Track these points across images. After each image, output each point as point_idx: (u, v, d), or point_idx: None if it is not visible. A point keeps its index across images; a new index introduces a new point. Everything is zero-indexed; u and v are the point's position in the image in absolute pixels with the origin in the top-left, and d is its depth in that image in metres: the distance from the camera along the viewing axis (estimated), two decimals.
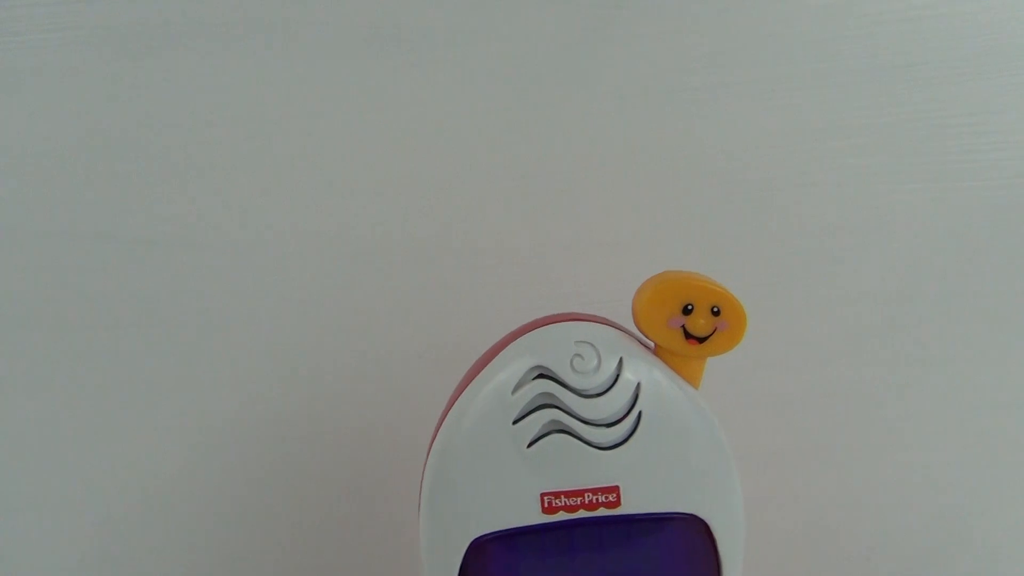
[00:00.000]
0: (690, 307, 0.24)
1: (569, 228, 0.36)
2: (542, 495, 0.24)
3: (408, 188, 0.36)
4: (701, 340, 0.25)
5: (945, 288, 0.37)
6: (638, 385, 0.24)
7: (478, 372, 0.25)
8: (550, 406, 0.24)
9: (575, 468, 0.24)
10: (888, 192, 0.37)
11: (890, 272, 0.37)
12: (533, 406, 0.24)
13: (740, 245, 0.37)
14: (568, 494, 0.24)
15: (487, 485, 0.24)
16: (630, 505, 0.24)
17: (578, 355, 0.24)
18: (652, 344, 0.25)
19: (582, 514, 0.24)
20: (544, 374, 0.24)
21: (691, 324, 0.24)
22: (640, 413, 0.24)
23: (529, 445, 0.24)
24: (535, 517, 0.24)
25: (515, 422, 0.24)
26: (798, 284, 0.37)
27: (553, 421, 0.24)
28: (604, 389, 0.24)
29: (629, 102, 0.36)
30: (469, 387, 0.25)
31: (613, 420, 0.24)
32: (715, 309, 0.24)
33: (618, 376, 0.24)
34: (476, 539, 0.24)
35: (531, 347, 0.25)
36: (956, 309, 0.38)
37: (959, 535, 0.38)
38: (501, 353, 0.25)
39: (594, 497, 0.24)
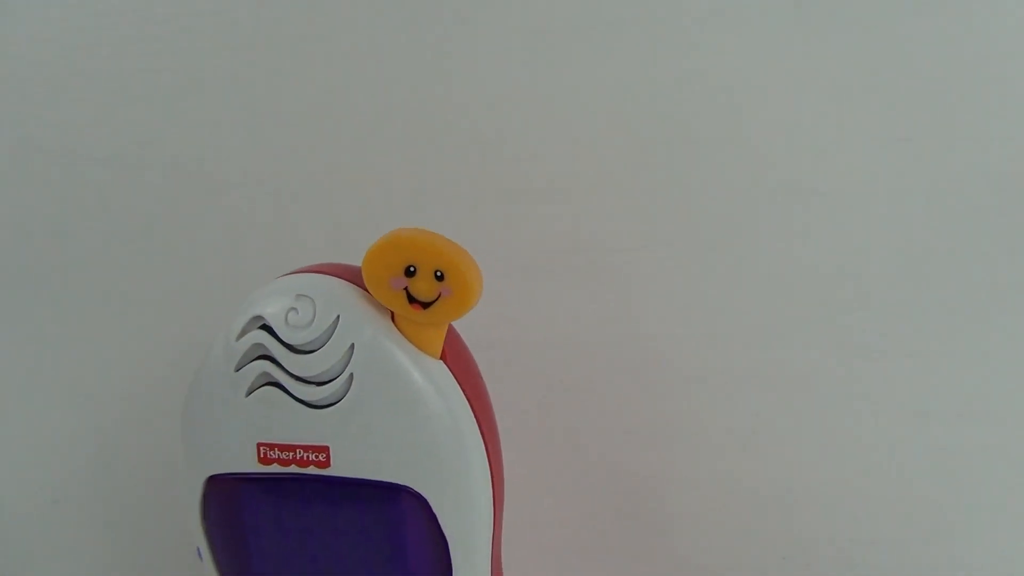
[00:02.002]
0: (412, 269, 0.23)
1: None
2: (259, 445, 0.24)
3: None
4: (426, 305, 0.23)
5: (906, 274, 0.32)
6: (352, 346, 0.23)
7: None
8: (264, 357, 0.24)
9: (288, 422, 0.24)
10: (857, 161, 0.32)
11: (849, 251, 0.32)
12: (251, 356, 0.24)
13: (680, 208, 0.34)
14: (282, 447, 0.24)
15: (216, 428, 0.24)
16: (340, 468, 0.24)
17: (294, 309, 0.23)
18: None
19: (294, 469, 0.24)
20: (264, 324, 0.24)
21: (413, 287, 0.23)
22: (352, 375, 0.23)
23: (248, 394, 0.24)
24: (252, 465, 0.24)
25: (237, 369, 0.24)
26: (746, 254, 0.33)
27: (265, 373, 0.23)
28: (316, 347, 0.23)
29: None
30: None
31: (324, 379, 0.23)
32: (438, 273, 0.22)
33: (332, 335, 0.23)
34: (209, 476, 0.25)
35: (263, 295, 0.24)
36: (914, 298, 0.32)
37: (893, 526, 0.34)
38: (247, 298, 0.25)
39: (305, 454, 0.24)
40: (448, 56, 0.33)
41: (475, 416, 0.24)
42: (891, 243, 0.32)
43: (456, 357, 0.24)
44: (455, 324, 0.26)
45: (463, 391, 0.24)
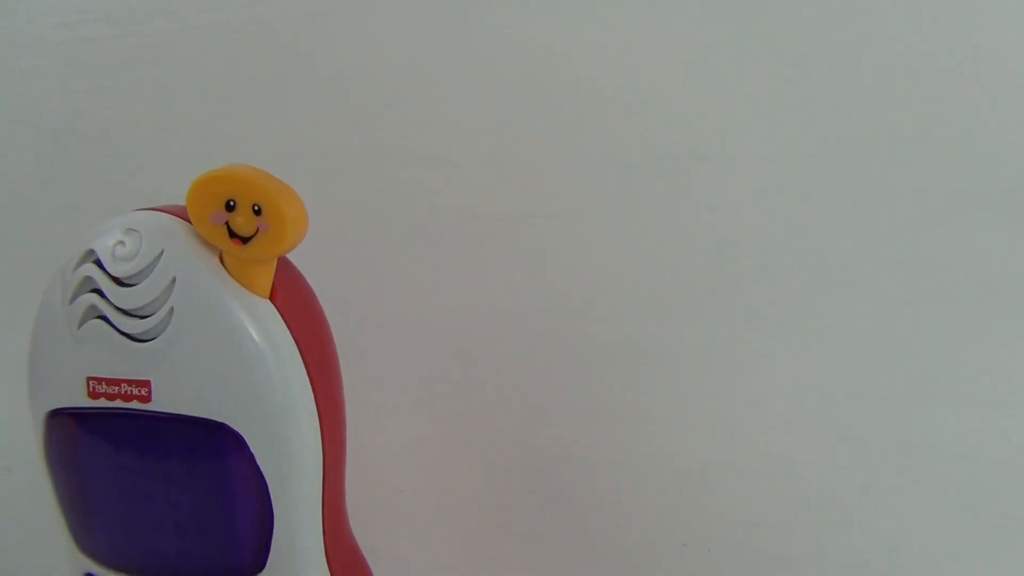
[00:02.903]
0: (232, 203, 0.22)
1: None
2: (88, 379, 0.24)
3: None
4: (245, 240, 0.23)
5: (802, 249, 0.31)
6: (173, 280, 0.23)
7: None
8: (93, 290, 0.24)
9: (114, 356, 0.24)
10: (757, 127, 0.31)
11: (747, 215, 0.31)
12: (82, 289, 0.24)
13: (584, 176, 0.33)
14: (108, 382, 0.24)
15: (53, 362, 0.25)
16: (160, 403, 0.23)
17: (122, 242, 0.23)
18: None
19: (119, 404, 0.24)
20: (95, 258, 0.24)
21: (232, 221, 0.23)
22: (172, 309, 0.23)
23: (79, 327, 0.24)
24: (81, 400, 0.24)
25: (70, 303, 0.24)
26: (651, 223, 0.32)
27: (94, 307, 0.24)
28: (139, 280, 0.23)
29: None
30: None
31: (146, 313, 0.23)
32: (256, 207, 0.22)
33: (155, 268, 0.23)
34: (48, 412, 0.25)
35: (97, 230, 0.24)
36: (810, 273, 0.31)
37: (791, 509, 0.32)
38: (84, 234, 0.25)
39: (129, 389, 0.24)
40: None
41: (304, 360, 0.24)
42: (791, 214, 0.31)
43: (288, 298, 0.24)
44: (297, 266, 0.26)
45: (291, 333, 0.24)
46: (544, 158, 0.32)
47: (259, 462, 0.23)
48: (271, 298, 0.24)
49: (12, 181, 0.40)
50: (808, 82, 0.30)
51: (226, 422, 0.23)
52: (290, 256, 0.25)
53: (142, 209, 0.25)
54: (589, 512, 0.34)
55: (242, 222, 0.22)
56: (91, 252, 0.24)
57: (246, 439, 0.23)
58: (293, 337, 0.24)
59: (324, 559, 0.25)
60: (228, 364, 0.23)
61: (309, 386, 0.24)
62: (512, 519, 0.36)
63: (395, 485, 0.38)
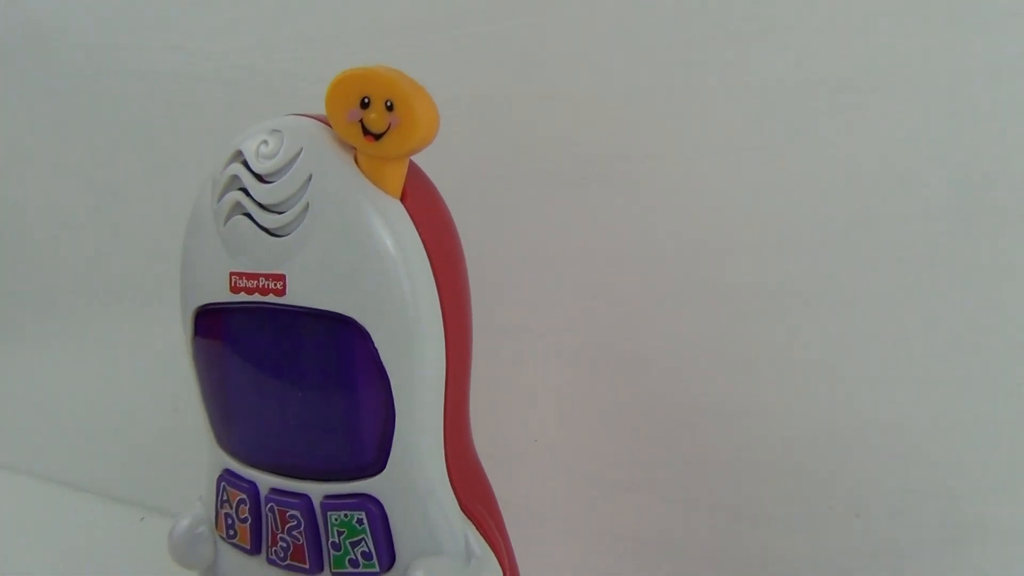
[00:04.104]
0: (367, 100, 0.23)
1: None
2: (231, 274, 0.25)
3: None
4: (378, 137, 0.23)
5: None
6: (310, 177, 0.24)
7: None
8: (238, 188, 0.25)
9: (253, 251, 0.25)
10: (907, 45, 0.29)
11: (896, 147, 0.29)
12: (229, 187, 0.25)
13: (699, 111, 0.32)
14: (248, 276, 0.25)
15: (200, 260, 0.26)
16: (293, 297, 0.24)
17: (265, 141, 0.25)
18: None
19: (257, 298, 0.25)
20: (242, 158, 0.25)
21: (366, 118, 0.23)
22: (308, 204, 0.24)
23: (225, 223, 0.25)
24: (225, 295, 0.25)
25: (218, 200, 0.25)
26: (773, 158, 0.31)
27: (239, 204, 0.25)
28: (278, 176, 0.24)
29: None
30: None
31: (283, 208, 0.24)
32: (388, 103, 0.23)
33: (294, 165, 0.24)
34: (196, 309, 0.26)
35: (246, 132, 0.25)
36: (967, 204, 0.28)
37: (951, 476, 0.29)
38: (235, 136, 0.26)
39: (266, 283, 0.25)
40: None
41: (430, 261, 0.24)
42: (939, 141, 0.28)
43: (419, 203, 0.24)
44: (431, 177, 0.26)
45: (419, 233, 0.24)
46: (681, 94, 0.31)
47: (383, 359, 0.23)
48: (402, 199, 0.24)
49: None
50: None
51: (353, 316, 0.23)
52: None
53: (288, 115, 0.26)
54: (728, 469, 0.33)
55: (375, 118, 0.23)
56: (239, 153, 0.25)
57: (371, 334, 0.23)
58: (421, 238, 0.24)
59: (444, 466, 0.25)
60: (356, 259, 0.23)
61: (435, 287, 0.24)
62: (646, 474, 0.35)
63: (530, 435, 0.37)
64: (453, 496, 0.25)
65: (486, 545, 0.25)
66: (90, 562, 0.46)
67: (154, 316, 0.49)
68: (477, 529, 0.25)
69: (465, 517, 0.25)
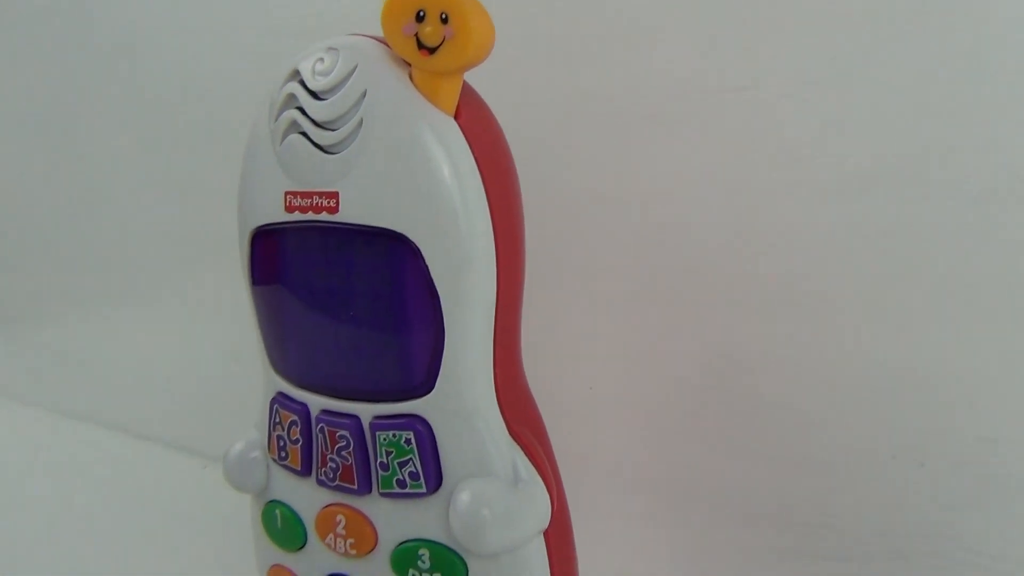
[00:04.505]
0: (422, 13, 0.23)
1: None
2: (286, 193, 0.25)
3: None
4: (432, 51, 0.23)
5: None
6: (364, 92, 0.24)
7: None
8: (295, 107, 0.25)
9: (308, 169, 0.25)
10: None
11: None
12: (286, 106, 0.25)
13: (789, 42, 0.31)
14: (303, 195, 0.25)
15: (257, 182, 0.26)
16: (346, 214, 0.24)
17: (321, 58, 0.25)
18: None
19: (311, 216, 0.25)
20: (299, 77, 0.25)
21: (421, 32, 0.23)
22: (361, 120, 0.24)
23: (281, 143, 0.25)
24: (280, 215, 0.26)
25: (275, 120, 0.26)
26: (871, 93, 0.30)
27: (295, 123, 0.25)
28: (332, 93, 0.24)
29: None
30: None
31: (337, 125, 0.24)
32: (443, 16, 0.23)
33: (348, 81, 0.24)
34: (252, 230, 0.27)
35: (303, 52, 0.25)
36: None
37: None
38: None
39: (320, 200, 0.25)
40: None
41: (483, 179, 0.24)
42: None
43: (472, 120, 0.24)
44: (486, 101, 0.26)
45: (472, 152, 0.24)
46: (760, 28, 0.30)
47: (433, 276, 0.23)
48: (456, 117, 0.24)
49: None
50: None
51: (404, 233, 0.23)
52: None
53: (345, 34, 0.26)
54: (786, 416, 0.32)
55: (430, 32, 0.23)
56: (296, 72, 0.25)
57: (422, 251, 0.23)
58: (473, 155, 0.24)
59: (493, 389, 0.25)
60: (408, 176, 0.23)
61: (487, 206, 0.24)
62: (702, 424, 0.34)
63: (586, 382, 0.37)
64: (501, 420, 0.25)
65: (533, 470, 0.25)
66: (156, 507, 0.47)
67: (216, 276, 0.50)
68: (525, 454, 0.25)
69: (513, 442, 0.25)
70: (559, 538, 0.26)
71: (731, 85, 0.31)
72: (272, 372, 0.27)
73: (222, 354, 0.52)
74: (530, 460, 0.25)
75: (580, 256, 0.35)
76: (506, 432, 0.25)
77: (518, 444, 0.25)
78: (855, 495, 0.31)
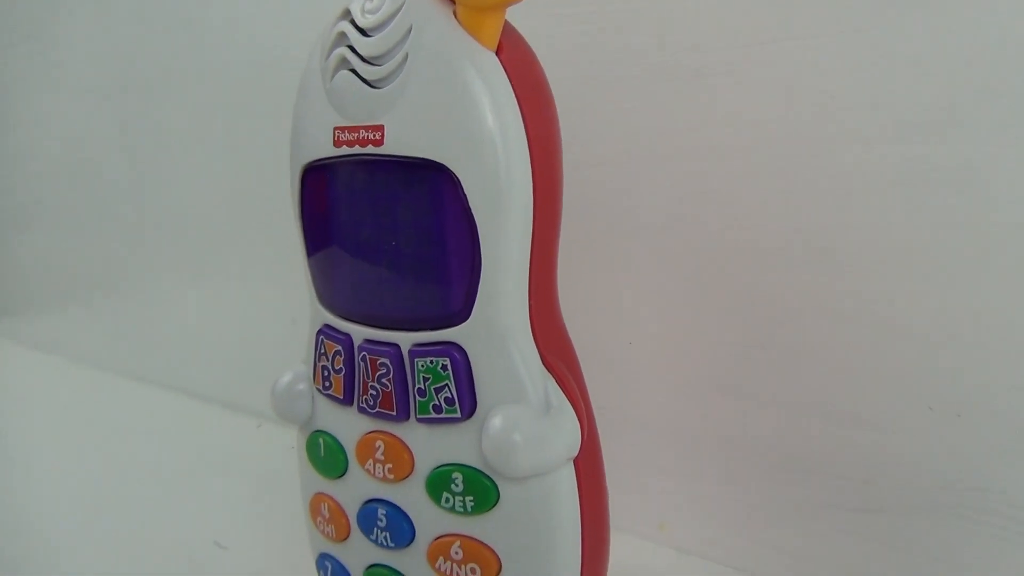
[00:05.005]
0: None
1: None
2: (334, 129, 0.27)
3: None
4: None
5: None
6: (410, 28, 0.25)
7: None
8: (345, 44, 0.26)
9: (356, 104, 0.26)
10: None
11: None
12: (336, 44, 0.26)
13: None
14: (350, 130, 0.26)
15: (308, 119, 0.28)
16: (391, 146, 0.25)
17: None
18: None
19: (357, 150, 0.26)
20: (349, 16, 0.26)
21: None
22: (407, 55, 0.25)
23: (331, 80, 0.27)
24: (329, 149, 0.27)
25: (326, 58, 0.27)
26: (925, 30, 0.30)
27: (345, 60, 0.26)
28: (380, 30, 0.25)
29: None
30: None
31: (383, 61, 0.25)
32: None
33: (395, 17, 0.25)
34: (302, 166, 0.28)
35: None
36: None
37: None
38: None
39: (366, 134, 0.26)
40: None
41: (522, 113, 0.25)
42: None
43: (513, 56, 0.25)
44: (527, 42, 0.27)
45: (512, 85, 0.24)
46: None
47: (471, 205, 0.24)
48: (497, 53, 0.25)
49: None
50: None
51: (444, 163, 0.24)
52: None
53: None
54: (826, 371, 0.32)
55: None
56: (347, 11, 0.26)
57: (461, 181, 0.24)
58: (513, 89, 0.24)
59: (527, 319, 0.26)
60: (449, 108, 0.24)
61: (525, 139, 0.24)
62: (742, 377, 0.34)
63: (625, 338, 0.37)
64: (535, 349, 0.26)
65: (564, 399, 0.25)
66: (214, 463, 0.49)
67: (274, 242, 0.51)
68: (557, 383, 0.26)
69: (546, 371, 0.26)
70: (589, 467, 0.27)
71: (771, 36, 0.31)
72: (319, 305, 0.29)
73: (278, 318, 0.53)
74: (562, 390, 0.26)
75: (618, 212, 0.36)
76: (539, 361, 0.26)
77: (551, 373, 0.26)
78: (893, 448, 0.31)
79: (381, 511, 0.28)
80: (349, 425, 0.28)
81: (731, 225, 0.33)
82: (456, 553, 0.26)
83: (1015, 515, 0.29)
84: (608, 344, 0.37)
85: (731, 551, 0.36)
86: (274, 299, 0.55)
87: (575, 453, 0.26)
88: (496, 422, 0.25)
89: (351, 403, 0.28)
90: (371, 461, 0.28)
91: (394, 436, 0.27)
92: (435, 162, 0.24)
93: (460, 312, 0.25)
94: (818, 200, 0.31)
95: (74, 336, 0.75)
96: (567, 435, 0.25)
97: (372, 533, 0.28)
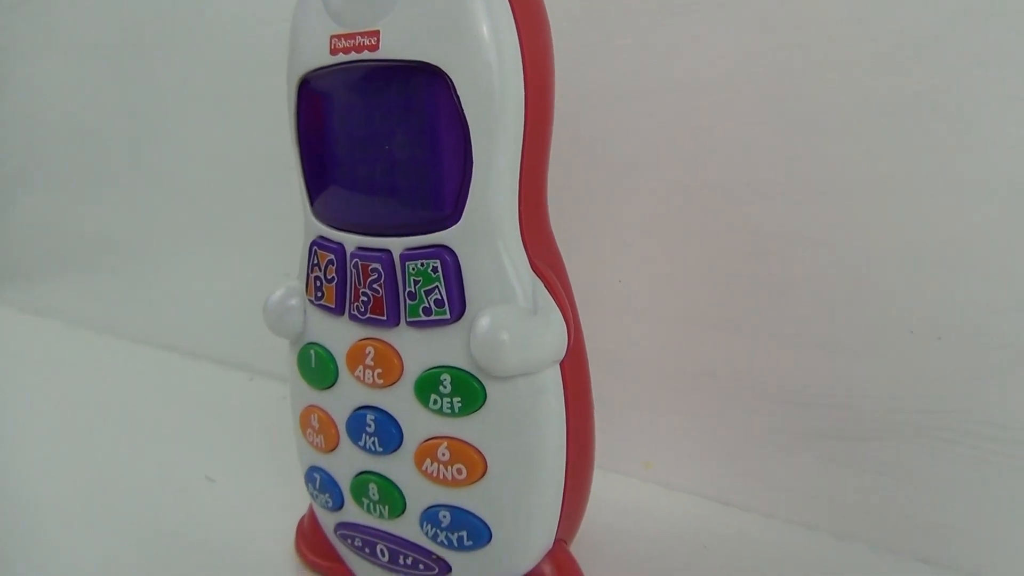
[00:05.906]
0: None
1: None
2: (331, 37, 0.27)
3: None
4: None
5: None
6: None
7: None
8: None
9: (352, 11, 0.26)
10: None
11: None
12: None
13: None
14: (346, 36, 0.26)
15: (306, 32, 0.28)
16: (385, 51, 0.26)
17: None
18: None
19: (353, 56, 0.26)
20: None
21: None
22: None
23: None
24: (325, 58, 0.27)
25: None
26: None
27: None
28: None
29: None
30: None
31: None
32: None
33: None
34: (299, 77, 0.28)
35: None
36: None
37: None
38: None
39: (362, 40, 0.26)
40: None
41: (515, 19, 0.25)
42: None
43: None
44: None
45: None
46: None
47: (464, 107, 0.25)
48: None
49: None
50: None
51: (437, 64, 0.25)
52: None
53: None
54: (809, 300, 0.32)
55: None
56: None
57: (454, 83, 0.25)
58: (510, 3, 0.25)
59: (517, 224, 0.26)
60: (443, 10, 0.25)
61: (518, 45, 0.25)
62: (727, 310, 0.35)
63: (614, 275, 0.38)
64: (524, 253, 0.26)
65: (552, 301, 0.26)
66: (207, 416, 0.50)
67: (268, 202, 0.52)
68: (545, 287, 0.26)
69: (534, 274, 0.26)
70: (575, 370, 0.27)
71: None
72: (312, 218, 0.29)
73: (272, 277, 0.53)
74: (550, 294, 0.26)
75: (604, 150, 0.36)
76: (528, 265, 0.26)
77: (539, 277, 0.26)
78: (875, 372, 0.31)
79: (370, 417, 0.28)
80: (340, 334, 0.29)
81: (717, 158, 0.34)
82: (443, 454, 0.27)
83: (997, 435, 0.29)
84: (598, 281, 0.38)
85: (717, 486, 0.36)
86: (267, 259, 0.55)
87: (562, 356, 0.26)
88: (484, 321, 0.25)
89: (343, 312, 0.28)
90: (361, 367, 0.28)
91: (384, 342, 0.27)
92: (429, 64, 0.25)
93: (451, 215, 0.26)
94: (801, 131, 0.31)
95: (70, 300, 0.75)
96: (554, 337, 0.26)
97: (361, 439, 0.28)
